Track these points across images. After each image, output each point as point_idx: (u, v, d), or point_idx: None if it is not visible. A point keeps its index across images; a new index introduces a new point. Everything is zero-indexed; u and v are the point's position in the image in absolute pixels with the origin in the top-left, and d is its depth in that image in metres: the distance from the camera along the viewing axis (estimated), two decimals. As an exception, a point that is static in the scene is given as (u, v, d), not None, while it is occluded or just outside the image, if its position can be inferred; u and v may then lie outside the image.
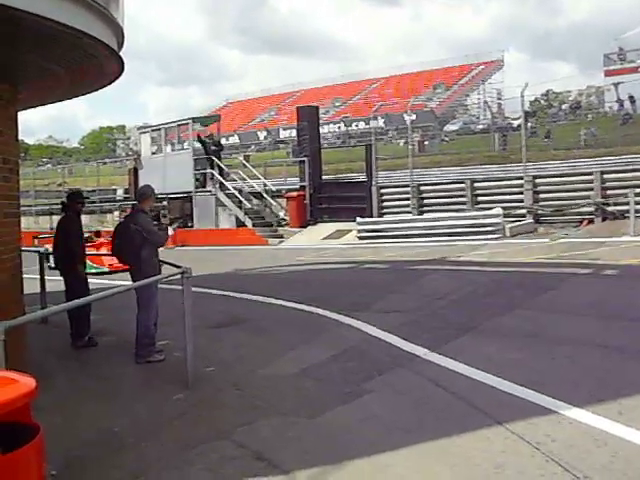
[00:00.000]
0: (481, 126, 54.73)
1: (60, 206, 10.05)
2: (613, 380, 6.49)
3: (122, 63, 7.28)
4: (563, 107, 56.40)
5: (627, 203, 18.37)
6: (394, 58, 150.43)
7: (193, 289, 7.47)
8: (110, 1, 6.40)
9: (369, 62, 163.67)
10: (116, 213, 33.11)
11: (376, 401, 6.42)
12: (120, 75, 7.91)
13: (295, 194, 26.62)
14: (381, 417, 5.97)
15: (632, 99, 40.75)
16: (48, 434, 3.35)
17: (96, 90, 8.72)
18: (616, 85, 45.98)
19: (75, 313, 9.02)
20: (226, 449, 5.42)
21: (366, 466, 4.98)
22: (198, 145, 28.28)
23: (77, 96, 9.44)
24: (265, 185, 28.06)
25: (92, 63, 6.93)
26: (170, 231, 27.51)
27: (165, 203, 28.84)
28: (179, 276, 7.26)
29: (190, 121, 28.90)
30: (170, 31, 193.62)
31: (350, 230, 23.50)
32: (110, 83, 8.31)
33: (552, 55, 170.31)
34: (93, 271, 15.32)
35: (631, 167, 21.50)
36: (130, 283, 8.17)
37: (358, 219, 23.01)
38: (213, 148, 27.52)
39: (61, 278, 9.72)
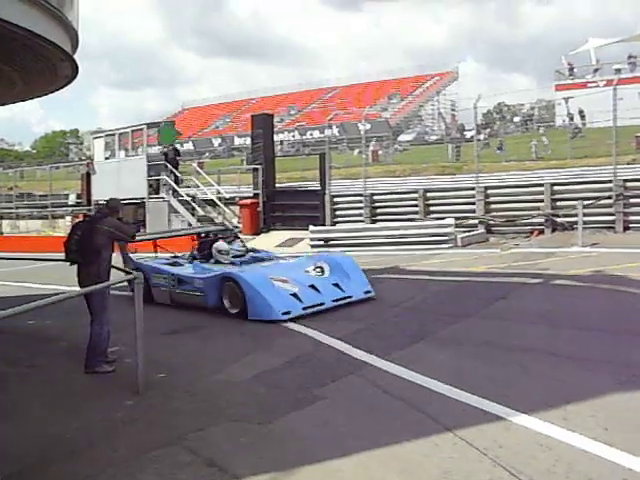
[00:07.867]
0: (435, 137, 55.43)
1: None
2: (561, 387, 6.61)
3: (76, 66, 7.24)
4: (515, 119, 57.22)
5: (576, 215, 18.68)
6: (356, 65, 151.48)
7: (146, 295, 7.43)
8: (63, 2, 6.33)
9: (330, 68, 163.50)
10: (68, 218, 32.64)
11: (328, 408, 6.45)
12: (74, 78, 7.88)
13: (248, 202, 26.52)
14: (333, 423, 6.01)
15: (582, 114, 41.57)
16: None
17: (50, 93, 8.67)
18: (566, 100, 46.80)
19: None
20: (178, 455, 5.41)
21: (317, 472, 5.02)
22: (152, 151, 28.04)
23: (31, 99, 9.39)
24: (218, 192, 27.91)
25: (45, 65, 6.88)
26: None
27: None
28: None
29: (144, 127, 28.69)
30: (125, 31, 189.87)
31: (303, 238, 23.45)
32: (64, 86, 8.26)
33: (509, 67, 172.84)
34: None
35: (580, 179, 21.93)
36: (79, 289, 8.02)
37: (311, 227, 22.99)
38: (171, 155, 27.37)
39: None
